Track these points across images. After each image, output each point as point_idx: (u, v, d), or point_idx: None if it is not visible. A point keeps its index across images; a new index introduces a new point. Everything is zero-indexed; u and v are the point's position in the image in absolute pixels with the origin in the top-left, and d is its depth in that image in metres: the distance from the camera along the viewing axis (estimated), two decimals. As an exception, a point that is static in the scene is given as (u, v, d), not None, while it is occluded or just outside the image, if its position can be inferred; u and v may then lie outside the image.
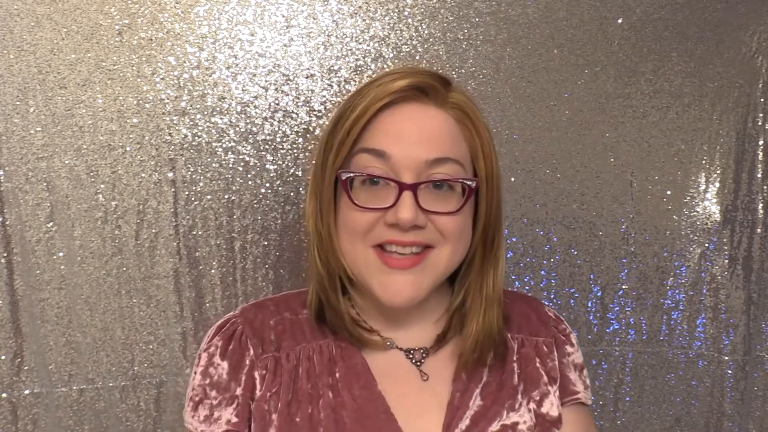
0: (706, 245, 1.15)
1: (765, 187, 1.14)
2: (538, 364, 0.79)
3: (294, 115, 1.04)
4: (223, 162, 1.02)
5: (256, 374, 0.73)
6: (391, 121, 0.68)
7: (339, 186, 0.71)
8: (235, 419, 0.72)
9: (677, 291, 1.15)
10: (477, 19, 1.06)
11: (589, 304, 1.14)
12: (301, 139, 1.04)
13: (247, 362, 0.74)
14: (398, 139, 0.67)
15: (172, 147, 1.01)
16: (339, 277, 0.74)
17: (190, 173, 1.02)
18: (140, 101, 0.99)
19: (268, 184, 1.04)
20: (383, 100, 0.68)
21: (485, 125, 0.73)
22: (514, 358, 0.78)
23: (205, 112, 1.01)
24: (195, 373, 0.76)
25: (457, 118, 0.71)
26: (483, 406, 0.72)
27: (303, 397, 0.71)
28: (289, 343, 0.75)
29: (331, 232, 0.72)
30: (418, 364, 0.75)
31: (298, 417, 0.69)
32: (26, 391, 1.00)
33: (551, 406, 0.77)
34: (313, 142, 1.04)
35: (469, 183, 0.69)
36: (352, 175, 0.69)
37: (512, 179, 1.10)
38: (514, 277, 1.12)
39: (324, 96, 1.04)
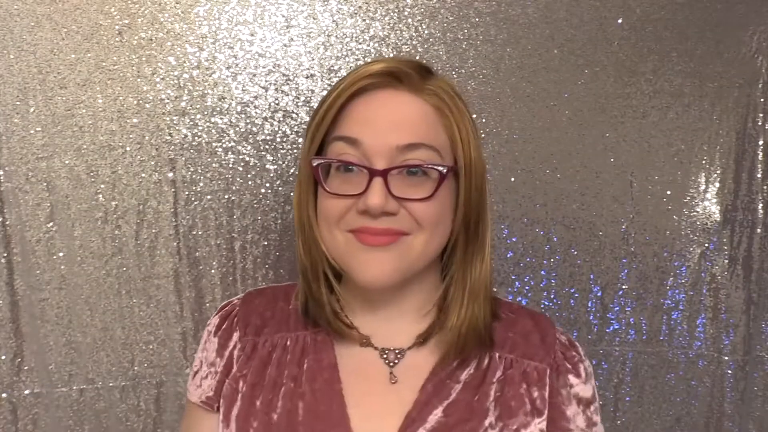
0: (706, 245, 1.15)
1: (765, 187, 1.14)
2: (523, 390, 0.72)
3: (294, 115, 1.04)
4: (223, 162, 1.02)
5: (235, 354, 0.76)
6: (364, 108, 0.68)
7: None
8: (210, 393, 0.77)
9: (677, 291, 1.15)
10: (477, 19, 1.06)
11: (589, 304, 1.14)
12: (301, 139, 1.04)
13: (231, 343, 0.77)
14: (370, 126, 0.67)
15: (172, 147, 1.01)
16: (324, 270, 0.74)
17: (190, 173, 1.02)
18: (140, 101, 0.99)
19: (268, 184, 1.04)
20: (355, 86, 0.68)
21: (467, 113, 0.71)
22: (494, 379, 0.72)
23: (205, 112, 1.01)
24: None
25: (434, 105, 0.69)
26: (444, 424, 0.68)
27: (268, 384, 0.73)
28: (270, 330, 0.77)
29: (312, 220, 0.73)
30: (391, 365, 0.73)
31: (258, 401, 0.72)
32: (26, 391, 1.00)
33: None
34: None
35: (439, 169, 0.66)
36: (322, 161, 0.69)
37: (512, 179, 1.09)
38: (514, 277, 1.12)
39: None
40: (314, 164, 0.69)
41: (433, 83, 0.70)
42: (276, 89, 1.03)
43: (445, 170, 0.67)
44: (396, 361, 0.73)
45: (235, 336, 0.77)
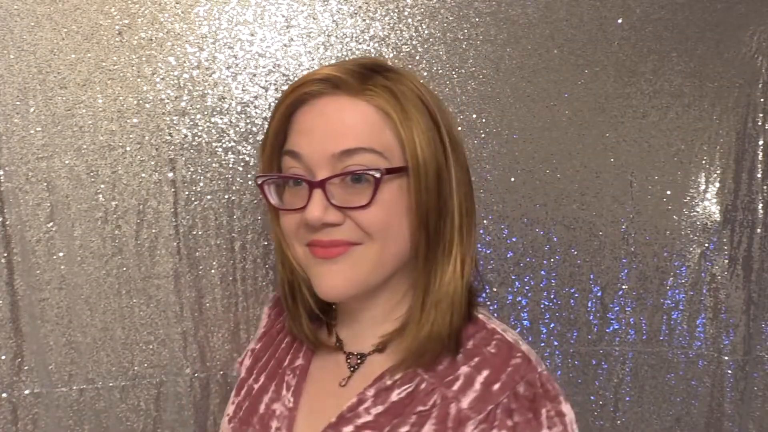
0: (706, 245, 1.15)
1: (765, 187, 1.14)
2: None
3: (294, 115, 1.04)
4: (223, 162, 1.02)
5: (259, 333, 0.87)
6: (303, 119, 0.67)
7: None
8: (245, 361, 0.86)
9: (677, 291, 1.15)
10: (477, 19, 1.06)
11: (589, 304, 1.14)
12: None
13: (261, 323, 0.88)
14: (307, 136, 0.65)
15: (172, 147, 1.01)
16: (299, 282, 0.75)
17: (190, 173, 1.02)
18: (140, 101, 0.99)
19: (268, 184, 1.04)
20: (289, 97, 0.67)
21: (419, 110, 0.66)
22: (415, 410, 0.64)
23: (205, 112, 1.01)
24: None
25: (377, 106, 0.65)
26: None
27: (258, 370, 0.80)
28: (284, 316, 0.82)
29: (279, 235, 0.73)
30: (352, 369, 0.73)
31: (245, 384, 0.80)
32: (26, 391, 1.00)
33: None
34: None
35: (371, 172, 0.63)
36: (265, 178, 0.69)
37: (512, 179, 1.09)
38: (514, 277, 1.12)
39: (324, 96, 1.04)
40: (259, 182, 0.69)
41: (377, 83, 0.65)
42: (276, 89, 1.03)
43: (379, 174, 0.62)
44: (356, 366, 0.73)
45: (266, 321, 0.87)
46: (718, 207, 1.14)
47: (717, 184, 1.14)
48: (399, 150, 0.65)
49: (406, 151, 0.65)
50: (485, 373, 0.65)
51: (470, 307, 0.70)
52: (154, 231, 1.02)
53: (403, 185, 0.65)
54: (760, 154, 1.13)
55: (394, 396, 0.66)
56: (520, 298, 1.13)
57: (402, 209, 0.65)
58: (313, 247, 0.66)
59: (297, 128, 0.67)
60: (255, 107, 1.02)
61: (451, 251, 0.67)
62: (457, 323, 0.67)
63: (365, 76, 0.66)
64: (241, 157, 1.03)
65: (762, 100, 1.12)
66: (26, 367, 1.00)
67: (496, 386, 0.63)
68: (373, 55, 1.04)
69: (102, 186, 0.99)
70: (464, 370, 0.65)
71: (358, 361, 0.73)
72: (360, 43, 1.04)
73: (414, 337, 0.66)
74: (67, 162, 0.98)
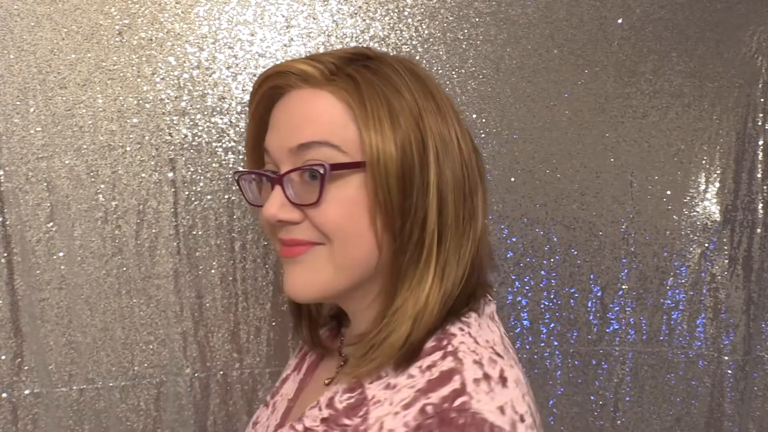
0: (706, 245, 1.15)
1: (765, 187, 1.14)
2: None
3: (294, 115, 1.04)
4: (223, 162, 1.02)
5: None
6: (274, 114, 0.65)
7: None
8: None
9: (677, 291, 1.15)
10: (477, 19, 1.06)
11: (589, 304, 1.14)
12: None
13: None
14: (273, 131, 0.63)
15: (172, 147, 1.01)
16: None
17: (190, 173, 1.02)
18: (140, 101, 0.99)
19: (268, 184, 1.04)
20: (255, 95, 0.67)
21: (391, 102, 0.59)
22: (347, 421, 0.59)
23: (205, 112, 1.01)
24: None
25: (340, 98, 0.60)
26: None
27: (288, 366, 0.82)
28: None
29: None
30: (337, 370, 0.71)
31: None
32: (26, 391, 1.00)
33: None
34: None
35: (315, 167, 0.58)
36: (239, 174, 0.67)
37: (512, 179, 1.09)
38: (514, 277, 1.12)
39: (324, 96, 1.04)
40: (235, 177, 0.68)
41: (344, 73, 0.61)
42: (276, 89, 1.03)
43: (323, 169, 0.58)
44: (340, 368, 0.72)
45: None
46: (718, 207, 1.14)
47: (717, 184, 1.14)
48: (360, 144, 0.59)
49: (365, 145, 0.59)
50: (416, 398, 0.55)
51: (451, 321, 0.61)
52: (154, 231, 1.01)
53: (364, 183, 0.59)
54: (760, 154, 1.13)
55: (338, 403, 0.62)
56: (520, 298, 1.13)
57: (363, 209, 0.59)
58: (281, 246, 0.64)
59: (270, 123, 0.65)
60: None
61: (420, 258, 0.59)
62: (417, 336, 0.59)
63: (336, 67, 0.61)
64: (241, 157, 1.03)
65: (762, 100, 1.12)
66: (26, 367, 1.00)
67: (418, 410, 0.54)
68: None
69: (102, 186, 0.99)
70: (405, 392, 0.56)
71: (341, 363, 0.72)
72: (360, 43, 1.04)
73: (365, 344, 0.61)
74: (67, 162, 0.98)
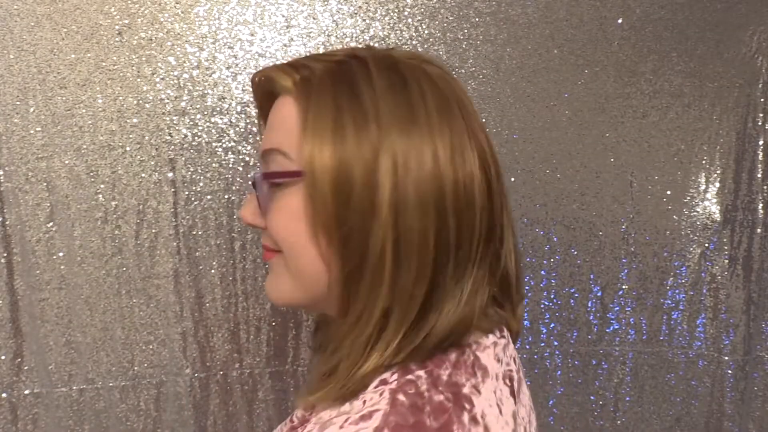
0: (706, 245, 1.15)
1: (765, 187, 1.14)
2: None
3: (294, 115, 1.04)
4: (223, 162, 1.02)
5: None
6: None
7: None
8: None
9: (677, 291, 1.15)
10: (477, 19, 1.06)
11: (589, 304, 1.14)
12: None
13: None
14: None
15: (172, 147, 1.01)
16: None
17: (190, 173, 1.02)
18: (140, 101, 0.99)
19: (268, 184, 1.04)
20: (255, 98, 0.64)
21: (342, 108, 0.53)
22: None
23: (205, 112, 1.01)
24: None
25: (299, 105, 0.55)
26: None
27: None
28: None
29: None
30: None
31: None
32: (26, 391, 1.00)
33: None
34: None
35: (256, 176, 0.56)
36: (250, 178, 0.67)
37: (512, 179, 1.09)
38: (514, 277, 1.12)
39: (324, 96, 1.04)
40: (249, 182, 0.68)
41: (301, 76, 0.56)
42: (276, 89, 1.03)
43: (253, 178, 0.56)
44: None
45: None
46: (718, 207, 1.14)
47: (717, 184, 1.14)
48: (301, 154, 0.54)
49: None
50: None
51: (417, 356, 0.54)
52: (154, 231, 1.01)
53: (305, 195, 0.54)
54: (760, 154, 1.13)
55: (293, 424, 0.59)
56: (520, 298, 1.13)
57: (304, 222, 0.54)
58: None
59: None
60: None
61: (371, 287, 0.53)
62: (365, 369, 0.53)
63: (309, 71, 0.56)
64: (241, 157, 1.03)
65: (762, 100, 1.12)
66: (26, 367, 1.00)
67: None
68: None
69: (102, 186, 0.99)
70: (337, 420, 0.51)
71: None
72: (360, 43, 1.04)
73: (314, 370, 0.57)
74: (67, 162, 0.98)
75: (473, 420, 0.49)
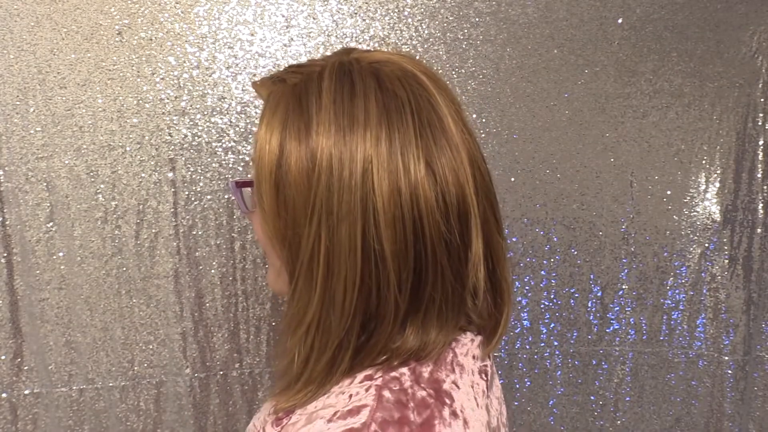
0: (706, 245, 1.15)
1: (765, 187, 1.14)
2: None
3: (294, 115, 1.04)
4: (223, 162, 1.02)
5: None
6: None
7: None
8: None
9: (677, 291, 1.15)
10: (477, 19, 1.06)
11: (589, 304, 1.14)
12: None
13: None
14: None
15: (172, 147, 1.01)
16: None
17: (190, 173, 1.02)
18: (140, 101, 0.99)
19: (268, 184, 1.04)
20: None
21: (291, 116, 0.53)
22: None
23: (205, 112, 1.01)
24: None
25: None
26: None
27: None
28: None
29: None
30: None
31: None
32: (26, 391, 1.00)
33: None
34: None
35: (231, 180, 0.59)
36: None
37: (512, 179, 1.09)
38: (514, 277, 1.12)
39: (324, 96, 1.04)
40: None
41: (274, 89, 0.57)
42: (276, 89, 1.03)
43: (228, 184, 0.60)
44: None
45: None
46: (718, 207, 1.14)
47: (717, 184, 1.14)
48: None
49: None
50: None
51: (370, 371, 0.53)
52: (154, 231, 1.01)
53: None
54: (760, 154, 1.13)
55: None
56: (520, 298, 1.13)
57: (263, 224, 0.56)
58: None
59: None
60: (255, 107, 1.02)
61: (297, 284, 0.54)
62: (312, 372, 0.54)
63: (276, 82, 0.57)
64: (241, 157, 1.03)
65: (762, 100, 1.12)
66: (26, 367, 1.00)
67: None
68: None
69: (102, 186, 0.99)
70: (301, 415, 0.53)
71: None
72: (360, 43, 1.04)
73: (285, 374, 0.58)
74: (67, 162, 0.98)
75: (453, 414, 0.51)
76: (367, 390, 0.51)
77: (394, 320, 0.52)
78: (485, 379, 0.59)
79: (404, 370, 0.53)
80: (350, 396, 0.51)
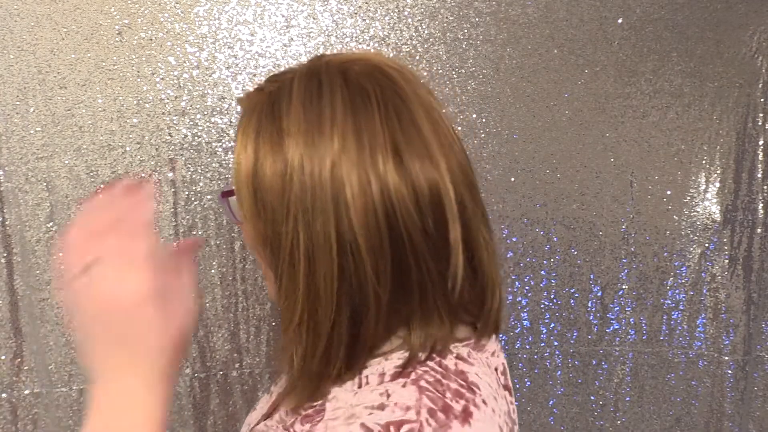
0: (706, 245, 1.15)
1: (765, 187, 1.14)
2: None
3: (294, 115, 1.04)
4: (223, 162, 1.02)
5: None
6: None
7: None
8: None
9: (677, 291, 1.15)
10: (477, 19, 1.06)
11: (589, 304, 1.14)
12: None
13: None
14: None
15: (172, 147, 1.01)
16: None
17: (190, 173, 1.02)
18: (140, 101, 0.99)
19: (268, 184, 1.04)
20: None
21: (262, 125, 0.55)
22: None
23: (205, 112, 1.01)
24: None
25: None
26: None
27: None
28: None
29: None
30: None
31: None
32: (26, 391, 1.00)
33: None
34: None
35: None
36: None
37: (512, 179, 1.09)
38: (514, 277, 1.12)
39: (324, 96, 1.04)
40: None
41: (251, 100, 0.59)
42: (276, 89, 1.03)
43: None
44: None
45: None
46: (718, 207, 1.14)
47: (717, 184, 1.14)
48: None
49: None
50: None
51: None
52: (154, 231, 1.01)
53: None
54: (760, 154, 1.13)
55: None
56: (520, 298, 1.13)
57: (260, 230, 0.58)
58: None
59: None
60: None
61: (281, 286, 0.55)
62: (311, 368, 0.55)
63: (257, 93, 0.59)
64: (241, 157, 1.03)
65: (762, 100, 1.12)
66: (26, 367, 1.00)
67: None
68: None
69: (102, 186, 0.99)
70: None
71: None
72: (360, 43, 1.04)
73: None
74: (67, 162, 0.98)
75: (483, 402, 0.53)
76: (403, 386, 0.52)
77: (378, 311, 0.53)
78: (501, 372, 0.62)
79: (432, 364, 0.54)
80: (387, 391, 0.53)
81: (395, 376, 0.53)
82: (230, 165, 1.03)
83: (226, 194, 0.60)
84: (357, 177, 0.50)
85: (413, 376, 0.53)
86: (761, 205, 1.14)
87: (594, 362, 1.15)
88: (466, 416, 0.51)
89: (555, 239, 1.12)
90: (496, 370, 0.61)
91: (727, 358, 1.16)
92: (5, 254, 0.97)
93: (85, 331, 0.52)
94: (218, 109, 1.01)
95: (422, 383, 0.52)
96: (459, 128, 1.07)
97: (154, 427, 0.51)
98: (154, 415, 0.51)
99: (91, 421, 0.52)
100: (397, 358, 0.55)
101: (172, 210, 1.02)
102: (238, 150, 0.56)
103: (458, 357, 0.56)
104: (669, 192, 1.13)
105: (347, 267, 0.51)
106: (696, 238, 1.14)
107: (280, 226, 0.53)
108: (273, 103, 0.55)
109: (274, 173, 0.52)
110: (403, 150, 0.51)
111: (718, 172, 1.14)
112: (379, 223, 0.51)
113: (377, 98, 0.53)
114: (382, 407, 0.50)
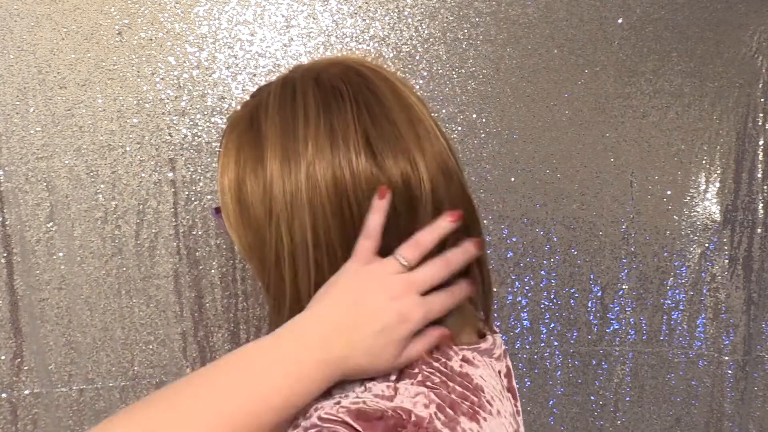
0: (706, 245, 1.15)
1: (765, 187, 1.14)
2: None
3: (294, 115, 1.04)
4: (223, 162, 1.03)
5: None
6: None
7: None
8: None
9: (677, 291, 1.15)
10: (477, 19, 1.06)
11: (589, 304, 1.14)
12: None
13: None
14: None
15: (172, 147, 1.01)
16: None
17: (190, 173, 1.02)
18: (140, 101, 0.99)
19: (268, 184, 1.04)
20: None
21: (245, 137, 0.56)
22: None
23: (205, 112, 1.01)
24: None
25: None
26: None
27: None
28: None
29: None
30: None
31: None
32: (26, 391, 1.00)
33: None
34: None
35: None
36: None
37: (512, 179, 1.09)
38: (514, 277, 1.12)
39: (324, 96, 1.04)
40: None
41: (236, 114, 0.60)
42: (276, 89, 1.03)
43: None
44: None
45: None
46: (718, 207, 1.14)
47: (717, 184, 1.14)
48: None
49: None
50: None
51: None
52: (154, 231, 1.01)
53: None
54: (760, 154, 1.13)
55: None
56: (520, 298, 1.13)
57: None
58: None
59: None
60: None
61: (270, 287, 0.57)
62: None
63: (244, 106, 0.60)
64: (241, 157, 1.03)
65: (762, 100, 1.12)
66: (26, 367, 1.00)
67: None
68: (373, 56, 1.04)
69: (102, 186, 0.99)
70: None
71: None
72: (360, 43, 1.04)
73: None
74: (67, 162, 0.98)
75: (488, 402, 0.55)
76: (412, 383, 0.53)
77: None
78: (505, 374, 0.63)
79: (437, 365, 0.55)
80: (395, 386, 0.53)
81: (401, 376, 0.54)
82: (230, 165, 1.03)
83: (219, 210, 0.61)
84: (332, 174, 0.51)
85: (420, 377, 0.53)
86: (761, 205, 1.14)
87: (594, 362, 1.15)
88: (473, 413, 0.52)
89: (555, 239, 1.12)
90: (499, 373, 0.62)
91: (727, 358, 1.16)
92: (5, 254, 0.97)
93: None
94: (218, 109, 1.01)
95: (429, 384, 0.53)
96: (459, 128, 1.07)
97: (276, 408, 0.50)
98: (290, 399, 0.50)
99: (251, 348, 0.54)
100: None
101: (172, 210, 1.02)
102: (222, 165, 0.57)
103: (464, 359, 0.57)
104: (669, 192, 1.13)
105: (323, 264, 0.53)
106: (696, 238, 1.14)
107: (264, 230, 0.54)
108: (252, 116, 0.56)
109: (256, 182, 0.54)
110: (376, 143, 0.52)
111: (718, 172, 1.14)
112: (354, 217, 0.52)
113: (349, 96, 0.53)
114: (390, 398, 0.51)
